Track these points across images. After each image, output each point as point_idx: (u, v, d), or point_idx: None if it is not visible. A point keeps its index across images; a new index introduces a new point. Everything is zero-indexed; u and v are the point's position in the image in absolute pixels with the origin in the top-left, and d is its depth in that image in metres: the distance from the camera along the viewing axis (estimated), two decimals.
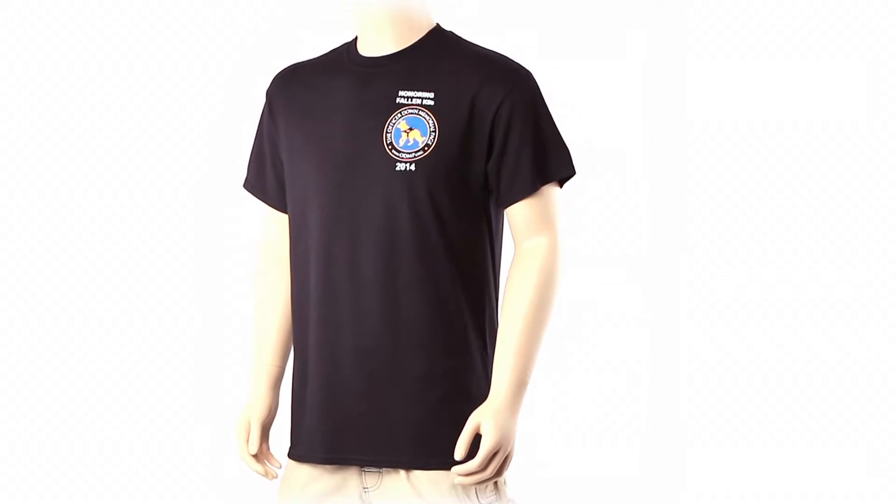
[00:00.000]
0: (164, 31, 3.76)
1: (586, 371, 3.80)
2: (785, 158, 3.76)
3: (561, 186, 2.05)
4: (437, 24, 2.12)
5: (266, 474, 2.24)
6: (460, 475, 1.97)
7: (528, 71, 2.05)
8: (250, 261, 2.32)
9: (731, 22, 3.75)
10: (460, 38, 2.12)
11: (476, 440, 2.00)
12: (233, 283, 3.80)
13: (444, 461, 2.01)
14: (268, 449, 2.26)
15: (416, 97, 2.03)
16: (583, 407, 3.79)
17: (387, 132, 2.04)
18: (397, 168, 2.02)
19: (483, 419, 1.97)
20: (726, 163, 3.78)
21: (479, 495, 2.02)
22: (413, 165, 2.02)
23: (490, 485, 2.03)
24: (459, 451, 1.97)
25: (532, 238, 2.01)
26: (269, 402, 2.26)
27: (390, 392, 2.04)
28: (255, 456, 2.24)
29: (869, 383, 3.72)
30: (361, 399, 2.05)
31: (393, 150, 2.03)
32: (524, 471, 3.64)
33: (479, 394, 2.03)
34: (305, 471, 2.13)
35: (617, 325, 3.81)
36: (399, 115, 2.04)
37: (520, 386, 1.98)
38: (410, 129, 2.03)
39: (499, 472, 1.99)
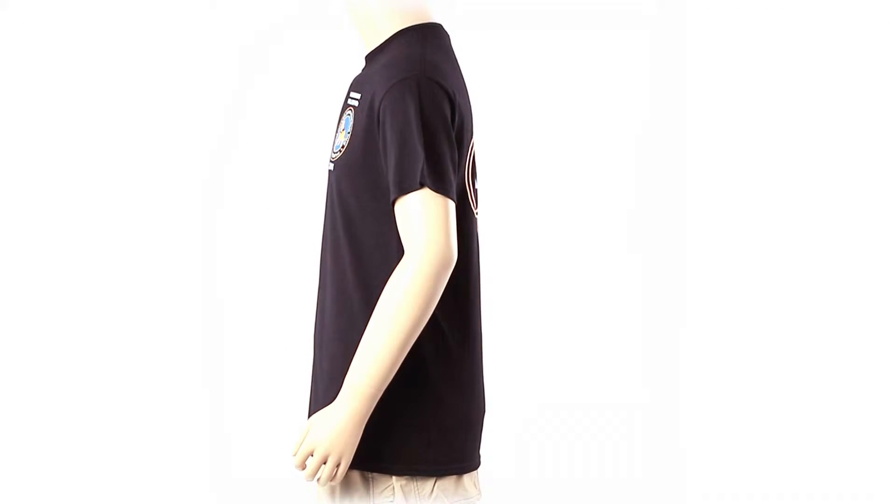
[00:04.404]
0: (164, 30, 3.76)
1: (587, 372, 3.80)
2: (786, 158, 3.76)
3: (444, 195, 1.95)
4: (416, 25, 2.08)
5: None
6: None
7: (413, 77, 1.97)
8: None
9: (732, 22, 3.76)
10: (422, 40, 2.06)
11: None
12: (233, 283, 3.80)
13: None
14: None
15: (353, 98, 2.05)
16: (584, 409, 3.79)
17: (336, 132, 2.09)
18: (329, 168, 2.08)
19: (311, 421, 1.99)
20: (727, 162, 3.78)
21: (373, 498, 2.02)
22: (333, 165, 2.06)
23: (386, 489, 2.02)
24: (292, 448, 2.00)
25: (406, 246, 1.96)
26: None
27: (318, 386, 2.10)
28: None
29: (870, 383, 3.71)
30: (314, 391, 2.12)
31: (332, 151, 2.08)
32: (527, 473, 3.66)
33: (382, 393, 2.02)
34: None
35: (617, 325, 3.81)
36: (343, 116, 2.08)
37: (354, 395, 1.94)
38: (343, 129, 2.06)
39: (317, 475, 1.97)
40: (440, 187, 1.94)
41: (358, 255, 2.02)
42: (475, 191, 2.10)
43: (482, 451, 2.15)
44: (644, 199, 3.82)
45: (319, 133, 2.67)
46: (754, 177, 3.78)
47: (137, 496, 3.67)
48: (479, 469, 2.15)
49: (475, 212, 2.10)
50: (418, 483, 2.03)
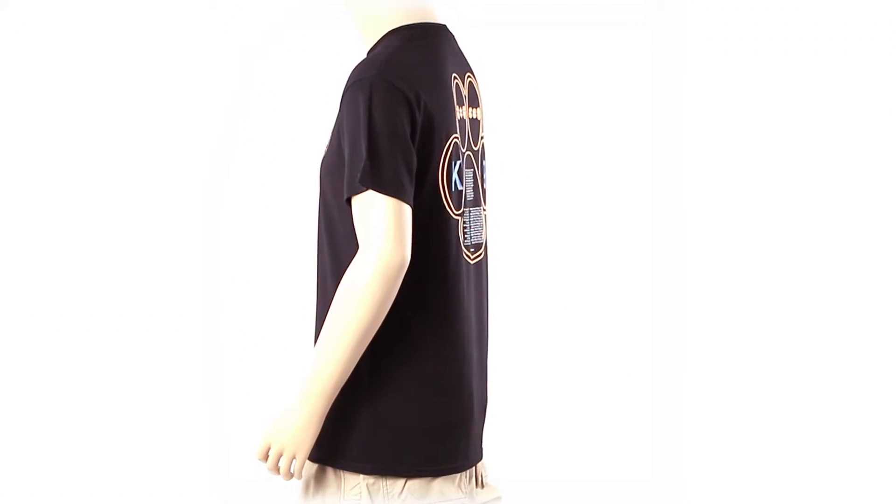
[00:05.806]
0: (164, 30, 3.76)
1: (592, 374, 3.80)
2: (785, 158, 3.76)
3: (394, 196, 1.94)
4: (407, 24, 2.07)
5: None
6: None
7: (368, 78, 1.96)
8: None
9: (732, 22, 3.76)
10: (404, 40, 2.05)
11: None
12: (233, 283, 3.80)
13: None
14: None
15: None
16: (590, 410, 3.79)
17: None
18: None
19: (271, 416, 2.00)
20: (726, 162, 3.78)
21: (343, 495, 2.02)
22: (320, 163, 2.07)
23: (355, 487, 2.02)
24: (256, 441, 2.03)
25: (360, 246, 1.97)
26: None
27: None
28: None
29: (871, 384, 3.71)
30: None
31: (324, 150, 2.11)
32: (530, 475, 3.66)
33: (352, 392, 2.00)
34: None
35: (622, 326, 3.81)
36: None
37: (308, 393, 1.96)
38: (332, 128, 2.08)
39: (280, 471, 2.00)
40: (385, 189, 1.93)
41: (335, 253, 2.02)
42: (458, 192, 2.06)
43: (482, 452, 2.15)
44: (643, 198, 3.82)
45: (319, 133, 2.67)
46: (753, 176, 3.78)
47: (137, 496, 3.68)
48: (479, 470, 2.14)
49: (453, 213, 2.05)
50: (388, 483, 2.01)
